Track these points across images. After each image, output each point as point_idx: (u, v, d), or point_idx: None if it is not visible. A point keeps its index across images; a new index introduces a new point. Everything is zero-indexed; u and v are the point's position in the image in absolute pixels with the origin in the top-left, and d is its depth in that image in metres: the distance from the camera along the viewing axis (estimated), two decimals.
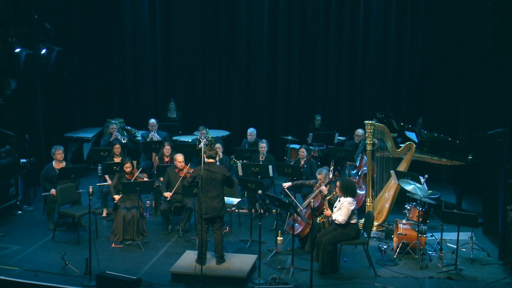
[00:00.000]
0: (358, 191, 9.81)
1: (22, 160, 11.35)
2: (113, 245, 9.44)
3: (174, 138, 12.95)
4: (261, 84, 14.38)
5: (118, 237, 9.53)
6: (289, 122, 14.40)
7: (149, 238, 9.71)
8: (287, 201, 8.93)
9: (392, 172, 9.99)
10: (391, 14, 13.60)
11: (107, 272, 7.94)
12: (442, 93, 13.37)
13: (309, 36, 14.08)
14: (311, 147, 11.87)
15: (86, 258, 8.26)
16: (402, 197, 10.01)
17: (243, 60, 14.40)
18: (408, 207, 9.42)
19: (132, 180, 9.77)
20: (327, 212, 8.82)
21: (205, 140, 11.94)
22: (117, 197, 9.72)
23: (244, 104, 14.58)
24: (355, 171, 10.83)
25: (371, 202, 10.06)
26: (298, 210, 8.85)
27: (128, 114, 14.61)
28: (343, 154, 11.15)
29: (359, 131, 11.69)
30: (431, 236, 9.42)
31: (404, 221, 9.19)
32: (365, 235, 8.68)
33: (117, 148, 10.95)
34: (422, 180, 9.56)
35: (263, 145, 11.20)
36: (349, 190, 8.54)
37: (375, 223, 9.89)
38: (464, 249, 9.19)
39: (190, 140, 12.65)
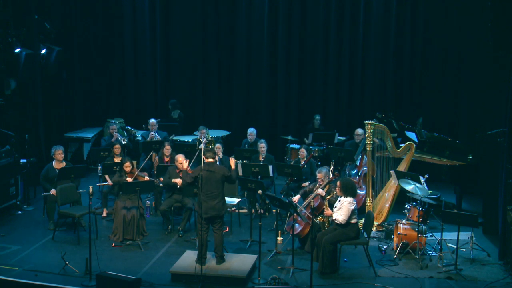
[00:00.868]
0: (358, 191, 9.80)
1: (22, 160, 11.35)
2: (113, 245, 9.44)
3: (174, 138, 12.95)
4: (261, 84, 14.37)
5: (118, 237, 9.53)
6: (289, 122, 14.40)
7: (149, 238, 9.71)
8: (287, 201, 8.93)
9: (392, 172, 9.99)
10: (391, 14, 13.60)
11: (107, 272, 7.94)
12: (442, 93, 13.37)
13: (309, 36, 14.08)
14: (311, 147, 11.87)
15: (86, 258, 8.26)
16: (402, 197, 10.01)
17: (243, 60, 14.40)
18: (408, 207, 9.42)
19: (132, 180, 9.77)
20: (327, 211, 8.83)
21: (205, 140, 11.95)
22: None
23: (244, 104, 14.57)
24: (355, 171, 10.83)
25: (371, 202, 10.06)
26: (298, 210, 8.86)
27: (128, 114, 14.61)
28: (343, 154, 11.15)
29: (359, 131, 11.69)
30: (431, 236, 9.42)
31: (404, 221, 9.19)
32: (365, 235, 8.68)
33: (117, 148, 10.95)
34: (422, 180, 9.56)
35: (262, 145, 11.20)
36: (349, 190, 8.54)
37: (375, 223, 9.89)
38: (464, 249, 9.19)
39: (190, 140, 12.65)
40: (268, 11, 14.08)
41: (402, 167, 10.29)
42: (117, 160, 10.69)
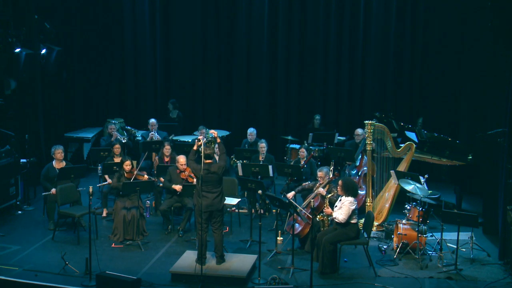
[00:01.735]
0: (359, 191, 9.79)
1: (22, 160, 11.35)
2: (113, 245, 9.44)
3: (174, 138, 12.95)
4: (261, 84, 14.37)
5: (118, 237, 9.53)
6: (289, 122, 14.39)
7: (149, 238, 9.70)
8: (287, 201, 8.93)
9: (392, 172, 9.99)
10: (391, 14, 13.60)
11: (107, 272, 7.94)
12: (442, 93, 13.37)
13: (309, 36, 14.08)
14: (311, 147, 11.87)
15: (86, 258, 8.26)
16: (402, 197, 10.01)
17: (243, 60, 14.39)
18: (408, 207, 9.42)
19: (131, 179, 9.77)
20: (328, 210, 8.82)
21: (204, 140, 11.93)
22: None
23: (244, 104, 14.57)
24: (355, 171, 10.83)
25: (371, 202, 10.06)
26: (298, 210, 8.86)
27: (128, 114, 14.61)
28: (343, 154, 11.15)
29: (359, 131, 11.69)
30: (431, 236, 9.42)
31: (404, 221, 9.19)
32: (365, 235, 8.68)
33: (117, 148, 10.95)
34: (422, 180, 9.56)
35: (262, 145, 11.20)
36: (350, 190, 8.54)
37: (375, 223, 9.89)
38: (464, 249, 9.19)
39: (190, 140, 12.65)
40: (268, 11, 14.08)
41: (402, 167, 10.29)
42: (117, 160, 10.68)
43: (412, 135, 11.60)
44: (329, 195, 9.05)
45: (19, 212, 10.97)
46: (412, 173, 9.69)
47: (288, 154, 12.59)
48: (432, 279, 8.36)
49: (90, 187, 8.28)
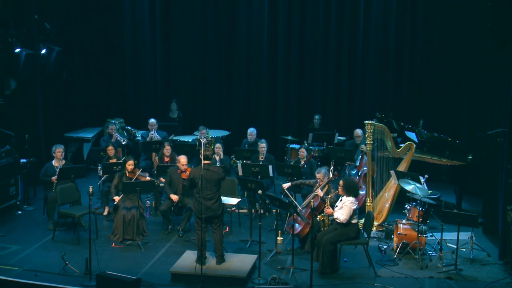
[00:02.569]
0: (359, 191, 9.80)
1: (22, 160, 11.35)
2: (113, 245, 9.44)
3: (174, 138, 12.95)
4: (261, 84, 14.37)
5: (118, 237, 9.53)
6: (289, 122, 14.39)
7: (149, 238, 9.70)
8: (287, 201, 8.93)
9: (392, 172, 9.99)
10: (391, 14, 13.60)
11: (107, 272, 7.94)
12: (442, 93, 13.36)
13: (309, 36, 14.08)
14: (311, 147, 11.87)
15: (86, 258, 8.26)
16: (402, 197, 10.01)
17: (243, 60, 14.40)
18: (408, 207, 9.42)
19: (133, 179, 9.77)
20: (329, 210, 8.82)
21: (204, 140, 11.95)
22: (117, 198, 9.73)
23: (244, 104, 14.57)
24: (355, 171, 10.83)
25: (371, 202, 10.06)
26: (298, 210, 8.86)
27: (128, 114, 14.61)
28: (343, 154, 11.16)
29: (358, 131, 11.69)
30: (431, 236, 9.42)
31: (404, 221, 9.19)
32: (365, 235, 8.68)
33: (110, 150, 10.91)
34: (422, 180, 9.56)
35: (262, 145, 11.20)
36: (351, 190, 8.54)
37: (375, 223, 9.89)
38: (464, 249, 9.19)
39: (190, 140, 12.65)
40: (268, 11, 14.08)
41: (402, 167, 10.29)
42: (112, 161, 10.67)
43: (412, 135, 11.61)
44: (328, 196, 9.05)
45: (19, 212, 10.97)
46: (412, 173, 9.69)
47: (288, 154, 12.59)
48: (432, 279, 8.36)
49: (90, 187, 8.27)
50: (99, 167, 11.25)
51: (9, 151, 10.96)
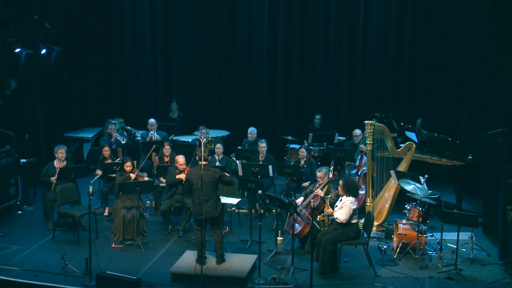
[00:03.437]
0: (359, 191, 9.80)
1: (22, 160, 11.35)
2: (113, 245, 9.44)
3: (174, 138, 12.95)
4: (261, 84, 14.38)
5: (118, 237, 9.53)
6: (289, 122, 14.40)
7: (149, 238, 9.70)
8: (287, 201, 8.93)
9: (392, 172, 9.99)
10: (391, 14, 13.61)
11: (107, 272, 7.94)
12: (442, 93, 13.37)
13: (309, 36, 14.09)
14: (311, 147, 11.87)
15: (86, 258, 8.26)
16: (402, 197, 10.01)
17: (243, 60, 14.40)
18: (408, 207, 9.42)
19: (132, 180, 9.77)
20: (329, 210, 8.82)
21: (205, 140, 11.95)
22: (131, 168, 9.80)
23: (244, 104, 14.58)
24: (355, 171, 10.83)
25: (371, 202, 10.06)
26: (298, 210, 8.85)
27: (128, 114, 14.61)
28: (343, 154, 11.16)
29: (357, 132, 11.70)
30: (431, 236, 9.42)
31: (404, 221, 9.19)
32: (365, 235, 8.68)
33: (105, 151, 10.91)
34: (422, 180, 9.56)
35: (262, 145, 11.20)
36: (351, 190, 8.54)
37: (375, 223, 9.89)
38: (464, 249, 9.19)
39: (190, 140, 12.65)
40: (268, 11, 14.09)
41: (402, 167, 10.29)
42: (107, 162, 10.68)
43: (412, 135, 11.61)
44: (328, 196, 9.05)
45: (19, 212, 10.98)
46: (412, 173, 9.69)
47: (288, 154, 12.60)
48: (432, 279, 8.36)
49: (90, 187, 8.28)
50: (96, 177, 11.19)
51: (9, 151, 10.96)
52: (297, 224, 9.15)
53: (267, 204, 10.80)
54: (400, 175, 9.73)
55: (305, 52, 14.17)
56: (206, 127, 12.58)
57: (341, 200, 8.64)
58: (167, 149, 11.13)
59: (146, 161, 11.74)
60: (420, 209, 9.12)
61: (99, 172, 10.78)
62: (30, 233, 9.94)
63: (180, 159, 9.93)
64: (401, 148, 10.33)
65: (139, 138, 12.99)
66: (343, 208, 8.47)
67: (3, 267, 8.52)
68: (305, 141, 12.48)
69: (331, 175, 9.45)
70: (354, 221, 8.51)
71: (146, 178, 10.04)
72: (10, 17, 11.66)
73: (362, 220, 9.11)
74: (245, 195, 11.06)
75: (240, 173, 10.72)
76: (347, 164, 11.34)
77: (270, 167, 10.48)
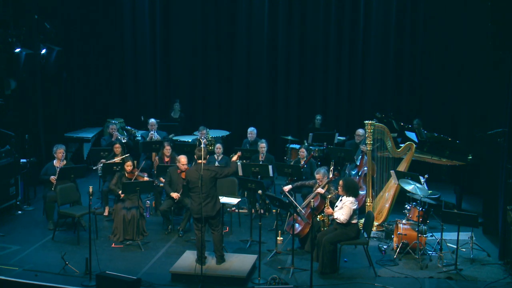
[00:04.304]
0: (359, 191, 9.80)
1: (22, 160, 11.35)
2: (113, 245, 9.44)
3: (174, 138, 12.95)
4: (261, 84, 14.38)
5: (118, 237, 9.53)
6: (289, 122, 14.40)
7: (149, 238, 9.70)
8: (287, 201, 8.93)
9: (392, 172, 9.99)
10: (391, 14, 13.60)
11: (107, 272, 7.94)
12: (442, 93, 13.37)
13: (309, 36, 14.09)
14: (311, 147, 11.87)
15: (86, 258, 8.26)
16: (402, 197, 10.01)
17: (243, 60, 14.40)
18: (408, 207, 9.42)
19: (132, 180, 9.77)
20: (329, 210, 8.82)
21: (205, 140, 11.95)
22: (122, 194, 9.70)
23: (244, 104, 14.58)
24: (355, 171, 10.83)
25: (371, 202, 10.06)
26: (298, 210, 8.86)
27: (128, 114, 14.61)
28: (343, 154, 11.16)
29: (360, 131, 11.69)
30: (431, 236, 9.42)
31: (404, 221, 9.19)
32: (365, 235, 8.68)
33: (117, 148, 10.95)
34: (422, 180, 9.56)
35: (262, 145, 11.20)
36: (351, 190, 8.54)
37: (375, 223, 9.89)
38: (464, 249, 9.19)
39: (190, 140, 12.65)
40: (268, 11, 14.09)
41: (402, 167, 10.29)
42: (117, 159, 10.67)
43: (412, 135, 11.61)
44: (329, 195, 9.05)
45: (19, 212, 10.97)
46: (412, 173, 9.69)
47: (288, 154, 12.60)
48: (432, 279, 8.36)
49: (90, 187, 8.27)
50: (99, 167, 11.19)
51: (9, 151, 10.96)
52: (297, 224, 9.15)
53: (267, 204, 10.80)
54: (400, 175, 9.73)
55: (305, 52, 14.17)
56: (206, 127, 12.58)
57: (341, 200, 8.64)
58: (167, 149, 11.14)
59: (146, 161, 11.76)
60: (420, 209, 9.12)
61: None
62: (30, 233, 9.94)
63: (183, 159, 9.93)
64: (401, 148, 10.33)
65: (139, 138, 12.99)
66: (343, 208, 8.47)
67: (3, 267, 8.52)
68: (305, 141, 12.48)
69: (331, 175, 9.45)
70: (354, 221, 8.51)
71: (146, 178, 10.04)
72: (10, 17, 11.66)
73: (362, 220, 9.11)
74: (245, 195, 11.06)
75: (240, 173, 10.72)
76: (347, 164, 11.33)
77: (270, 167, 10.48)
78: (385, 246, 9.35)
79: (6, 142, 11.18)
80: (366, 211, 9.56)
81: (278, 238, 9.34)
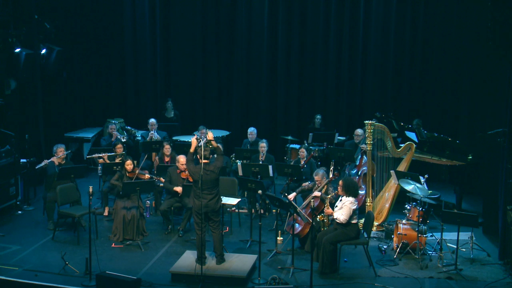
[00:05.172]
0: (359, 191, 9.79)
1: (22, 160, 11.35)
2: (113, 245, 9.44)
3: (174, 138, 12.95)
4: (261, 84, 14.37)
5: (118, 237, 9.54)
6: (289, 122, 14.39)
7: (149, 238, 9.71)
8: (287, 201, 8.93)
9: (392, 172, 9.99)
10: (391, 14, 13.60)
11: (107, 272, 7.94)
12: (442, 93, 13.37)
13: (309, 36, 14.08)
14: (311, 147, 11.87)
15: (86, 258, 8.26)
16: (402, 197, 10.01)
17: (243, 60, 14.39)
18: (408, 207, 9.42)
19: (133, 179, 9.77)
20: (329, 210, 8.82)
21: (205, 140, 11.92)
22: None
23: (244, 104, 14.57)
24: (355, 171, 10.83)
25: (371, 202, 10.06)
26: (298, 210, 8.85)
27: (128, 114, 14.61)
28: (343, 154, 11.15)
29: (359, 131, 11.69)
30: (431, 236, 9.42)
31: (404, 221, 9.19)
32: (365, 235, 8.68)
33: (119, 148, 10.94)
34: (422, 180, 9.56)
35: (263, 145, 11.20)
36: (351, 190, 8.54)
37: (375, 223, 9.89)
38: (464, 249, 9.20)
39: (190, 140, 12.62)
40: (268, 11, 14.08)
41: (402, 167, 10.29)
42: (118, 159, 10.67)
43: (412, 135, 11.61)
44: (328, 196, 9.05)
45: (19, 212, 10.97)
46: (412, 173, 9.69)
47: (288, 154, 12.59)
48: (432, 279, 8.36)
49: (90, 187, 8.27)
50: (99, 167, 11.20)
51: (9, 151, 10.96)
52: (297, 224, 9.15)
53: (267, 204, 10.80)
54: (400, 175, 9.73)
55: (305, 52, 14.16)
56: (206, 127, 12.57)
57: (341, 200, 8.64)
58: (167, 149, 11.14)
59: (146, 161, 11.75)
60: (420, 209, 9.12)
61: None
62: (30, 233, 9.94)
63: (181, 158, 9.96)
64: (401, 148, 10.33)
65: (139, 138, 12.99)
66: (343, 209, 8.47)
67: (3, 267, 8.52)
68: (305, 141, 12.48)
69: (330, 175, 9.44)
70: (354, 221, 8.51)
71: (147, 176, 10.04)
72: (10, 17, 11.67)
73: (362, 220, 9.11)
74: (245, 195, 11.06)
75: (240, 173, 10.72)
76: (347, 164, 11.33)
77: (270, 167, 10.47)
78: (385, 246, 9.35)
79: (6, 142, 11.18)
80: (366, 211, 9.56)
81: (278, 238, 9.34)
